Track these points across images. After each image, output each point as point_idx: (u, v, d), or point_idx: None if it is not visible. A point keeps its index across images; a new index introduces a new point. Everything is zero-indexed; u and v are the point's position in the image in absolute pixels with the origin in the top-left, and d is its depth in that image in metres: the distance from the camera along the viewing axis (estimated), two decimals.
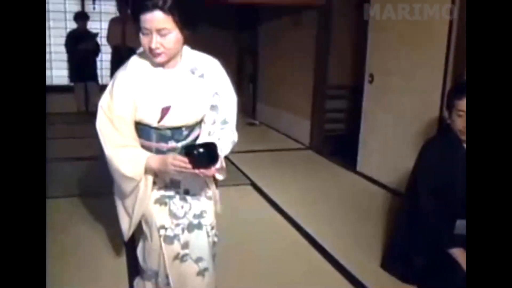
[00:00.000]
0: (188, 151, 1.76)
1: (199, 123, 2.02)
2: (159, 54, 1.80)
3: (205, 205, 2.09)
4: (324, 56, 5.61)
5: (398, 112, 4.20)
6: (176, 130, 1.96)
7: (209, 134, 1.99)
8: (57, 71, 7.84)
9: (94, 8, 7.76)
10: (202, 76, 1.96)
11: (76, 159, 4.90)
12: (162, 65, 1.90)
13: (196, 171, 1.75)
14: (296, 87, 6.24)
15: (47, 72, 7.83)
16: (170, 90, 1.92)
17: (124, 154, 1.90)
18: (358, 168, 4.81)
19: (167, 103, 1.90)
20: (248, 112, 7.74)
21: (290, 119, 6.48)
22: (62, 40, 7.41)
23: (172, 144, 1.98)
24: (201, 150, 1.74)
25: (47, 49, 7.70)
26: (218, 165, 1.78)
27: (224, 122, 2.01)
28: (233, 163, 4.75)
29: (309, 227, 3.39)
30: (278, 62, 6.88)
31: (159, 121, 1.91)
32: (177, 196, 2.05)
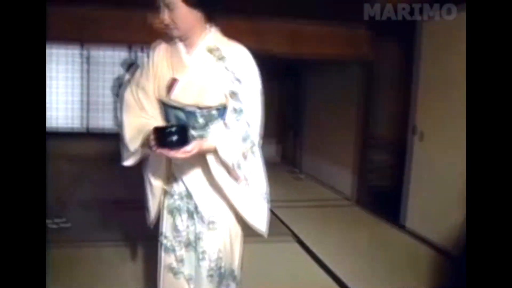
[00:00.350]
0: (157, 128, 1.76)
1: (219, 115, 1.95)
2: (170, 28, 1.88)
3: (204, 232, 2.02)
4: (368, 107, 5.56)
5: (445, 167, 4.06)
6: (190, 114, 1.93)
7: (225, 125, 1.92)
8: (106, 115, 8.10)
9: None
10: (222, 59, 1.92)
11: (125, 203, 4.89)
12: (184, 43, 1.95)
13: (158, 150, 1.73)
14: (340, 138, 6.19)
15: (95, 116, 8.09)
16: (183, 65, 1.95)
17: (133, 123, 1.96)
18: (402, 223, 4.65)
19: (176, 75, 1.94)
20: (291, 162, 7.71)
21: (333, 171, 6.38)
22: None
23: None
24: (172, 128, 1.73)
25: (96, 95, 7.98)
26: (188, 148, 1.74)
27: (240, 111, 1.91)
28: (276, 216, 4.69)
29: (353, 284, 3.28)
30: (321, 112, 6.88)
31: (167, 94, 1.93)
32: (185, 210, 2.04)
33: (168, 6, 1.83)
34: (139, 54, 7.98)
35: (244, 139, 1.89)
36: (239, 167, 1.91)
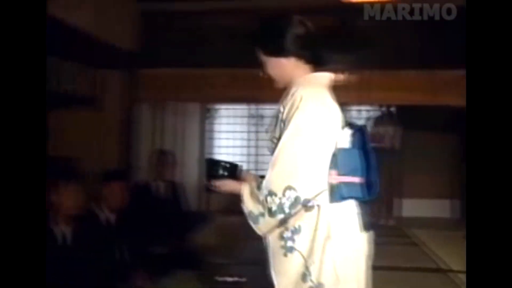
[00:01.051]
0: (208, 159, 1.89)
1: None
2: (273, 81, 1.89)
3: None
4: None
5: None
6: None
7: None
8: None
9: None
10: (284, 101, 1.78)
11: None
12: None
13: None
14: None
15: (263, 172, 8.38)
16: None
17: None
18: None
19: None
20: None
21: None
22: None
23: None
24: (219, 162, 1.81)
25: (263, 150, 8.27)
26: (217, 183, 1.79)
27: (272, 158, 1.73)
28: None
29: None
30: None
31: None
32: None
33: (264, 64, 1.87)
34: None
35: (258, 186, 1.72)
36: (256, 220, 1.71)
